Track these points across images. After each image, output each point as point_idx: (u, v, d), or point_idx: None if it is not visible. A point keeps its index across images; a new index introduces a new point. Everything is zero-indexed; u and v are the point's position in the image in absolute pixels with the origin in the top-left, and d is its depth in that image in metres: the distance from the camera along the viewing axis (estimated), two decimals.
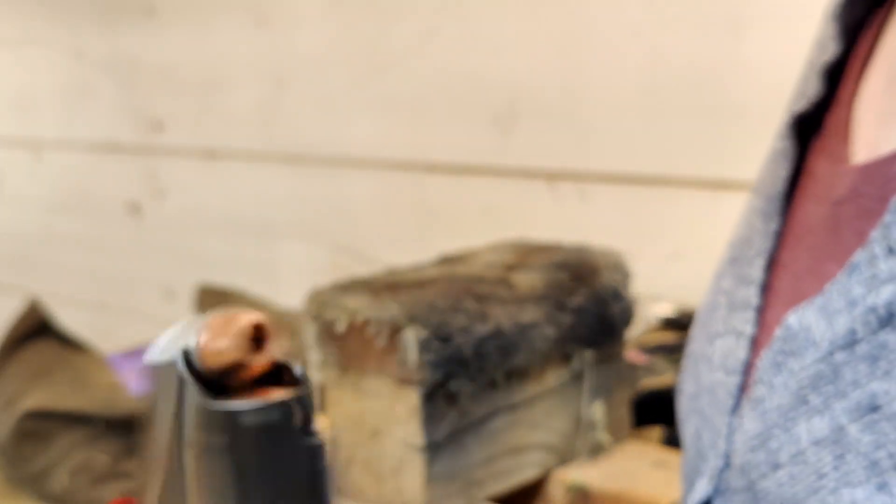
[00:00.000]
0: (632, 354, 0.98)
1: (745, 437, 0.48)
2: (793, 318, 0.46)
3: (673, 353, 1.01)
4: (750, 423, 0.48)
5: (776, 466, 0.45)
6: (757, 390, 0.47)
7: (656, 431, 0.94)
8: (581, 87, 1.22)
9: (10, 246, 2.07)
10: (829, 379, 0.43)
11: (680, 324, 1.08)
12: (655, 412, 0.94)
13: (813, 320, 0.45)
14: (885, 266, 0.42)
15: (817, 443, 0.43)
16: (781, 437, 0.45)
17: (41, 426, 0.95)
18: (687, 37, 1.13)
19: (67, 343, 1.08)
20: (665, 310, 1.11)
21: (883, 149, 0.47)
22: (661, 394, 0.94)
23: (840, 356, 0.43)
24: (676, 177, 1.16)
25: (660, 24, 1.15)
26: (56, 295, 1.87)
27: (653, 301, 1.11)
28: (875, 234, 0.43)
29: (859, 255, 0.43)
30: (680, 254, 1.16)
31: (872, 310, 0.42)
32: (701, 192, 1.14)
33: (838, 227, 0.47)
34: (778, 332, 0.47)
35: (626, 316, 0.88)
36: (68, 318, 1.41)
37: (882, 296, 0.41)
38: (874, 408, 0.41)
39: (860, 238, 0.45)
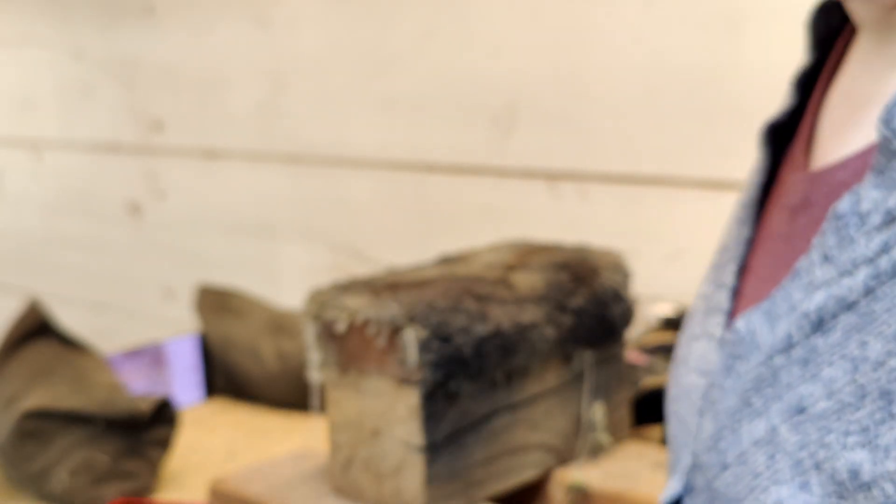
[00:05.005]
0: (632, 355, 0.98)
1: (703, 438, 0.49)
2: (741, 323, 0.47)
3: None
4: (706, 423, 0.49)
5: (724, 467, 0.47)
6: (713, 392, 0.49)
7: (656, 431, 0.94)
8: (581, 87, 1.22)
9: (10, 246, 2.07)
10: (768, 382, 0.45)
11: (680, 324, 1.08)
12: (655, 412, 0.94)
13: (758, 325, 0.46)
14: (819, 273, 0.44)
15: (756, 443, 0.45)
16: (729, 438, 0.47)
17: (41, 426, 0.95)
18: (687, 37, 1.13)
19: (67, 343, 1.08)
20: (665, 310, 1.11)
21: (832, 158, 0.48)
22: (661, 394, 0.94)
23: (779, 360, 0.44)
24: (676, 177, 1.16)
25: (660, 24, 1.15)
26: (56, 295, 1.87)
27: (653, 301, 1.11)
28: (815, 241, 0.45)
29: (801, 262, 0.45)
30: (680, 254, 1.16)
31: (806, 315, 0.43)
32: (701, 192, 1.14)
33: (792, 234, 0.49)
34: (728, 335, 0.48)
35: (626, 316, 0.88)
36: (68, 318, 1.41)
37: (814, 301, 0.43)
38: (801, 409, 0.43)
39: (808, 245, 0.46)
